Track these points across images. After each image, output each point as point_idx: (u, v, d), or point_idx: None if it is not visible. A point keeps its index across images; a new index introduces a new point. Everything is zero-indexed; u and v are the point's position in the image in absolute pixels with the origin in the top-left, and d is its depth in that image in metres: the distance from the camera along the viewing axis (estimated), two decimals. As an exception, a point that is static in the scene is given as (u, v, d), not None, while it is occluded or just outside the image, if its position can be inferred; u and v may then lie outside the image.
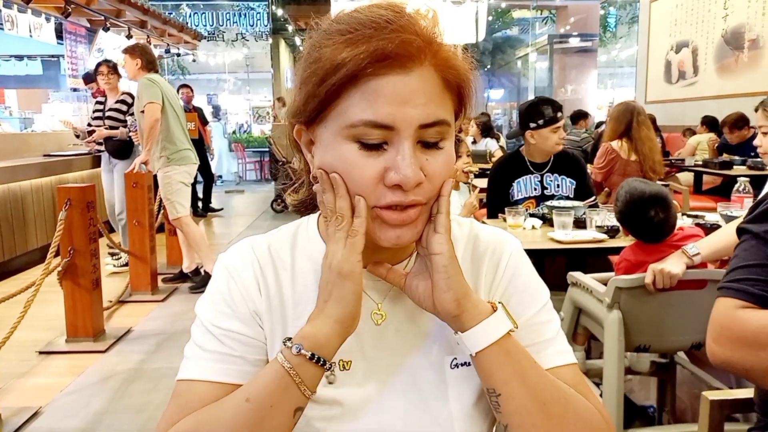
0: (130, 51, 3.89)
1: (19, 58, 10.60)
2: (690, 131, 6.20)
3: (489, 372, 0.60)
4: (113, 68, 4.50)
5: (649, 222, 1.65)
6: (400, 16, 0.57)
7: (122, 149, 4.49)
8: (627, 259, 1.73)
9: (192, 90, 7.10)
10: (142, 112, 3.74)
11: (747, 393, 1.01)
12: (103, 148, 4.57)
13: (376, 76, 0.56)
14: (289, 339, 0.59)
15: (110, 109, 4.54)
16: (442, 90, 0.59)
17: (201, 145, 6.49)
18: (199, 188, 6.83)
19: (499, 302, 0.63)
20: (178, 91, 6.30)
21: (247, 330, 0.66)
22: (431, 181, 0.59)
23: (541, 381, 0.61)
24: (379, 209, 0.59)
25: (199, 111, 7.05)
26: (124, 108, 4.51)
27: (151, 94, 3.70)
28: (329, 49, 0.57)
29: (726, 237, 1.52)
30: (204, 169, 6.65)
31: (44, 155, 5.30)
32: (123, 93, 4.56)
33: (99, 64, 4.56)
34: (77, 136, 5.04)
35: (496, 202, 2.56)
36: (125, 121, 4.47)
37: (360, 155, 0.58)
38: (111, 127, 4.48)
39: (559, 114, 2.47)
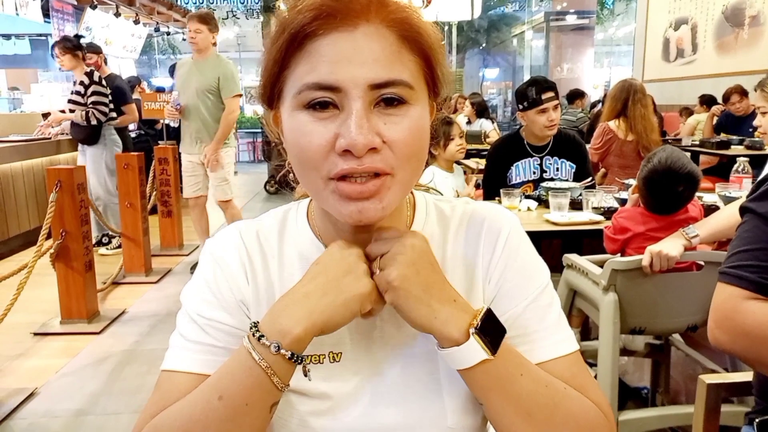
0: (206, 21, 3.56)
1: (7, 37, 10.40)
2: (687, 110, 6.16)
3: (469, 385, 0.59)
4: (68, 48, 4.09)
5: (675, 195, 1.61)
6: None
7: (91, 135, 4.19)
8: (627, 228, 1.71)
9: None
10: (211, 93, 3.57)
11: (744, 376, 1.01)
12: (68, 133, 4.32)
13: (317, 36, 0.52)
14: (256, 324, 0.56)
15: (72, 92, 4.22)
16: (398, 49, 0.54)
17: None
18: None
19: (485, 312, 0.58)
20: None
21: (232, 320, 0.63)
22: (393, 148, 0.54)
23: (528, 391, 0.58)
24: (335, 182, 0.54)
25: None
26: (82, 90, 4.16)
27: (238, 84, 3.59)
28: (279, 15, 0.55)
29: (724, 219, 1.51)
30: None
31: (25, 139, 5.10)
32: (84, 73, 4.18)
33: (52, 46, 4.33)
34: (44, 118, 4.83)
35: (493, 184, 2.53)
36: (84, 104, 4.14)
37: (310, 122, 0.54)
38: (71, 111, 4.19)
39: (545, 95, 2.39)
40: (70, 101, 4.24)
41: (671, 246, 1.48)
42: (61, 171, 2.89)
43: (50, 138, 4.78)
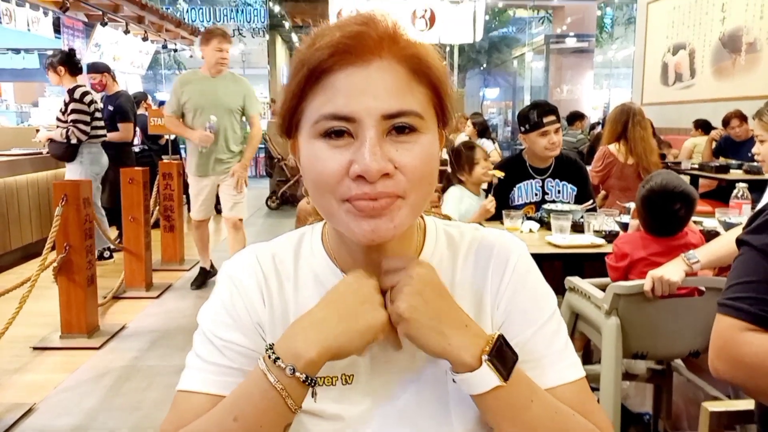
0: (229, 38, 3.59)
1: (16, 51, 10.51)
2: (668, 144, 6.12)
3: (481, 409, 0.61)
4: (49, 64, 4.09)
5: (671, 214, 1.64)
6: (363, 16, 0.58)
7: (67, 152, 4.08)
8: (627, 253, 1.73)
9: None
10: (238, 112, 3.57)
11: (747, 404, 1.02)
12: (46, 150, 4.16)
13: (334, 71, 0.56)
14: (272, 347, 0.57)
15: (59, 109, 4.16)
16: (408, 81, 0.57)
17: None
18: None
19: (497, 338, 0.59)
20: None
21: (249, 342, 0.65)
22: (404, 173, 0.57)
23: (539, 418, 0.60)
24: (348, 202, 0.57)
25: None
26: (63, 107, 4.11)
27: (259, 100, 3.59)
28: (298, 53, 0.59)
29: (725, 245, 1.52)
30: None
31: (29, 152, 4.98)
32: (67, 90, 4.10)
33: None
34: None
35: (496, 204, 2.56)
36: (66, 121, 4.05)
37: (325, 149, 0.57)
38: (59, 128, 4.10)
39: (547, 119, 2.43)
40: (57, 118, 4.20)
41: (673, 271, 1.50)
42: (67, 185, 2.92)
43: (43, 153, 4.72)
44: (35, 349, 2.88)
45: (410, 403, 0.65)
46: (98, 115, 4.21)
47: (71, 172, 4.17)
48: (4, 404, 2.29)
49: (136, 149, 5.27)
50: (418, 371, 0.66)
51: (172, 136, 5.12)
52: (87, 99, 4.11)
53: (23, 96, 11.51)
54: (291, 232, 0.74)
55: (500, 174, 2.52)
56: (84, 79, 4.35)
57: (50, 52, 4.50)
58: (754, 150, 1.87)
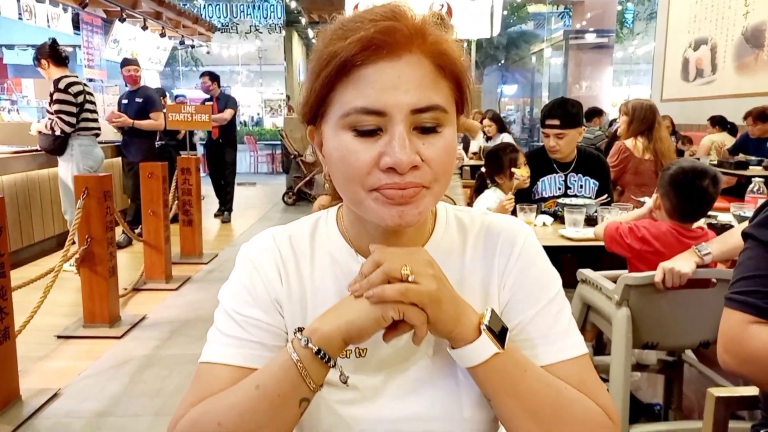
0: None
1: (37, 48, 10.72)
2: (687, 139, 6.04)
3: (479, 383, 0.64)
4: (34, 58, 4.00)
5: (700, 191, 1.65)
6: (391, 9, 0.59)
7: (56, 145, 3.95)
8: (648, 240, 1.73)
9: (211, 78, 6.03)
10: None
11: (752, 390, 1.03)
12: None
13: (365, 64, 0.58)
14: (301, 330, 0.62)
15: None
16: (435, 76, 0.60)
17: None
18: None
19: (492, 312, 0.63)
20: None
21: (268, 318, 0.69)
22: (430, 165, 0.60)
23: (533, 389, 0.63)
24: (377, 191, 0.60)
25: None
26: (49, 99, 3.94)
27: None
28: (324, 44, 0.61)
29: (737, 237, 1.52)
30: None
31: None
32: (52, 81, 3.95)
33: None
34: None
35: (520, 198, 2.56)
36: (51, 113, 3.92)
37: (356, 142, 0.59)
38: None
39: (548, 122, 2.43)
40: (46, 110, 4.10)
41: (684, 263, 1.50)
42: (89, 178, 2.99)
43: None
44: (59, 337, 2.96)
45: (421, 376, 0.69)
46: (90, 107, 4.03)
47: (63, 166, 4.03)
48: (31, 389, 2.37)
49: (156, 144, 5.37)
50: (429, 345, 0.70)
51: (190, 131, 5.21)
52: (73, 90, 3.90)
53: (44, 92, 11.72)
54: (306, 216, 0.78)
55: (526, 173, 2.46)
56: (73, 72, 4.11)
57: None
58: None
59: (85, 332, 3.00)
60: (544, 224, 2.34)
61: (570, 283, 1.86)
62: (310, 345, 0.59)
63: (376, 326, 0.60)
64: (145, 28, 7.45)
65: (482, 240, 0.73)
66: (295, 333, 0.62)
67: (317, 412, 0.68)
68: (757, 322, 0.82)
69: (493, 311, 0.64)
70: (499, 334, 0.63)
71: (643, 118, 3.19)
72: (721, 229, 1.91)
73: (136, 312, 3.36)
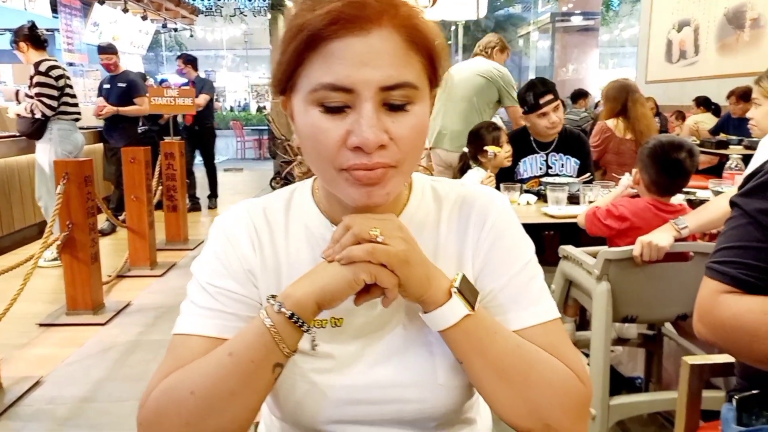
0: None
1: (14, 31, 10.47)
2: (680, 113, 6.15)
3: (450, 345, 0.65)
4: (13, 44, 3.90)
5: (677, 163, 1.67)
6: None
7: (34, 129, 3.86)
8: (627, 217, 1.75)
9: (185, 60, 5.79)
10: None
11: (727, 358, 1.04)
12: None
13: (333, 38, 0.56)
14: (274, 296, 0.61)
15: None
16: (406, 52, 0.58)
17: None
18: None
19: (462, 276, 0.64)
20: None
21: (241, 289, 0.68)
22: (398, 144, 0.59)
23: (503, 351, 0.64)
24: (346, 171, 0.60)
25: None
26: (29, 82, 3.85)
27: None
28: (294, 15, 0.59)
29: (713, 211, 1.54)
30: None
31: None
32: (33, 64, 3.86)
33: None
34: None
35: (502, 178, 2.56)
36: (31, 96, 3.83)
37: (324, 119, 0.58)
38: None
39: (543, 99, 2.42)
40: (25, 94, 4.01)
41: (661, 237, 1.52)
42: (68, 163, 2.95)
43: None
44: (41, 325, 2.93)
45: (396, 344, 0.69)
46: (69, 91, 3.96)
47: (41, 150, 3.93)
48: (13, 377, 2.35)
49: (139, 129, 5.30)
50: (404, 313, 0.70)
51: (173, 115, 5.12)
52: (54, 73, 3.84)
53: (23, 77, 11.43)
54: (281, 189, 0.77)
55: (508, 153, 2.45)
56: (51, 56, 4.00)
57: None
58: (748, 114, 1.87)
59: (68, 319, 2.98)
60: (528, 203, 2.34)
61: (553, 261, 1.88)
62: (283, 310, 0.59)
63: (348, 289, 0.60)
64: (125, 10, 7.31)
65: (457, 210, 0.73)
66: (268, 300, 0.61)
67: (292, 380, 0.68)
68: (732, 291, 0.83)
69: (464, 275, 0.64)
70: (470, 297, 0.63)
71: (615, 98, 3.19)
72: (699, 205, 1.92)
73: (121, 298, 3.33)
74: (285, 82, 0.62)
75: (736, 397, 0.94)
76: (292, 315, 0.59)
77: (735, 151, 4.07)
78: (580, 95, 7.14)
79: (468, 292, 0.63)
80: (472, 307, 0.63)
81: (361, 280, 0.59)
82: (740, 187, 0.91)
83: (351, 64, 0.56)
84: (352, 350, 0.69)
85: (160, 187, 4.44)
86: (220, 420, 0.60)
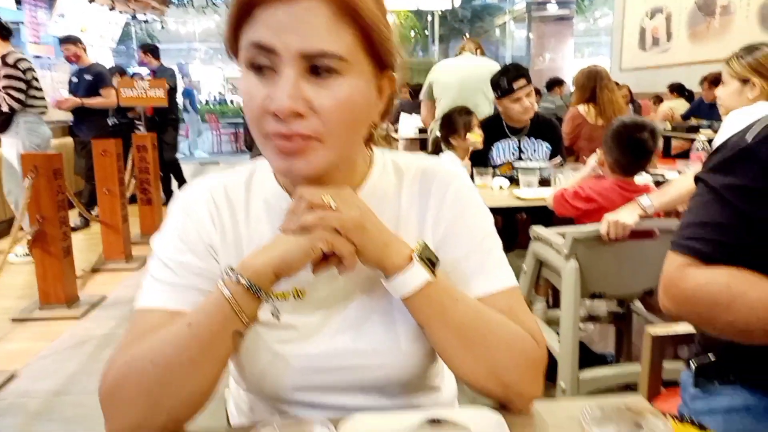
0: None
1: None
2: (658, 98, 6.29)
3: (412, 312, 0.66)
4: None
5: (639, 143, 1.72)
6: None
7: (2, 122, 3.81)
8: (594, 199, 1.80)
9: (145, 50, 5.66)
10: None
11: (688, 328, 1.08)
12: None
13: (263, 6, 0.57)
14: (232, 269, 0.62)
15: None
16: (334, 23, 0.57)
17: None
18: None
19: (423, 244, 0.65)
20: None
21: (202, 263, 0.69)
22: (321, 116, 0.58)
23: (464, 317, 0.66)
24: (270, 139, 0.60)
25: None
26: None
27: None
28: None
29: (677, 189, 1.58)
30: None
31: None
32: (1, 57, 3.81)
33: None
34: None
35: (476, 163, 2.58)
36: (1, 88, 3.76)
37: (252, 83, 0.59)
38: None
39: (516, 84, 2.45)
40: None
41: (627, 215, 1.56)
42: (37, 156, 2.89)
43: None
44: (15, 320, 2.88)
45: (358, 313, 0.71)
46: (36, 84, 3.91)
47: (8, 144, 3.88)
48: (-15, 372, 2.31)
49: (109, 122, 5.20)
50: (366, 283, 0.71)
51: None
52: (22, 65, 3.80)
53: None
54: (242, 165, 0.77)
55: (479, 137, 2.49)
56: (31, 50, 4.05)
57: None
58: (716, 92, 1.91)
59: (41, 314, 2.93)
60: (501, 187, 2.37)
61: (526, 244, 1.91)
62: (242, 281, 0.60)
63: (305, 258, 0.61)
64: (91, 1, 7.13)
65: (418, 182, 0.74)
66: (226, 272, 0.62)
67: (255, 350, 0.68)
68: (695, 264, 0.84)
69: (425, 243, 0.65)
70: (431, 264, 0.64)
71: (584, 85, 3.22)
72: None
73: (95, 292, 3.28)
74: (231, 49, 0.64)
75: (694, 363, 0.97)
76: (251, 285, 0.60)
77: (705, 135, 4.16)
78: (555, 83, 7.21)
79: (429, 259, 0.65)
80: (434, 273, 0.64)
81: (318, 249, 0.60)
82: (705, 164, 0.92)
83: (276, 29, 0.57)
84: (314, 320, 0.70)
85: (134, 181, 4.38)
86: (181, 390, 0.61)
